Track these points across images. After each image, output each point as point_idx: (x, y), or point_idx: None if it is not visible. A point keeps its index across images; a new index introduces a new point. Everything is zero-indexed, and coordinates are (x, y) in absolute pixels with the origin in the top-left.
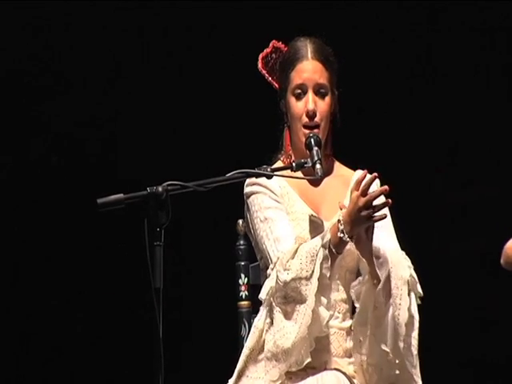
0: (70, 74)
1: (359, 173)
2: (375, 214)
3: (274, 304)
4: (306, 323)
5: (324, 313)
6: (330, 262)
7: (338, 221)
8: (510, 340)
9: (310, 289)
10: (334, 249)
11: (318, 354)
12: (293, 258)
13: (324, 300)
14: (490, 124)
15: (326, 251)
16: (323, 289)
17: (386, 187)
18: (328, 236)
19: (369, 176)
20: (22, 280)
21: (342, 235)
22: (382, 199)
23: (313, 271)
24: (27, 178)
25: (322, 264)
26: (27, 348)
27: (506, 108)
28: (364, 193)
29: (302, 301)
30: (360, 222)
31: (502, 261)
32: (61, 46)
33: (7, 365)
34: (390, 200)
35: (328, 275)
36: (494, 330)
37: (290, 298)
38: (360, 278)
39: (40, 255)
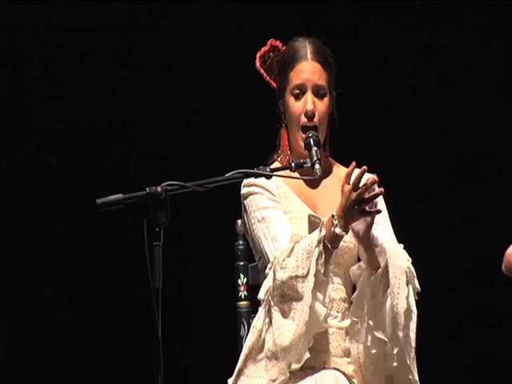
0: (67, 73)
1: (356, 171)
2: (367, 207)
3: (272, 303)
4: (303, 320)
5: (320, 308)
6: (324, 258)
7: (332, 216)
8: (509, 340)
9: (306, 286)
10: (329, 244)
11: (316, 353)
12: (289, 256)
13: (320, 296)
14: (490, 124)
15: (321, 247)
16: (319, 284)
17: (375, 178)
18: (323, 232)
19: (358, 169)
20: (21, 280)
21: (336, 230)
22: (373, 190)
23: (309, 268)
24: (27, 178)
25: (317, 260)
26: (27, 348)
27: (507, 107)
28: (355, 187)
29: (299, 298)
30: (354, 216)
31: (503, 267)
32: (60, 44)
33: (8, 365)
34: (382, 189)
35: (322, 271)
36: (493, 330)
37: (287, 296)
38: (360, 263)
39: (39, 256)
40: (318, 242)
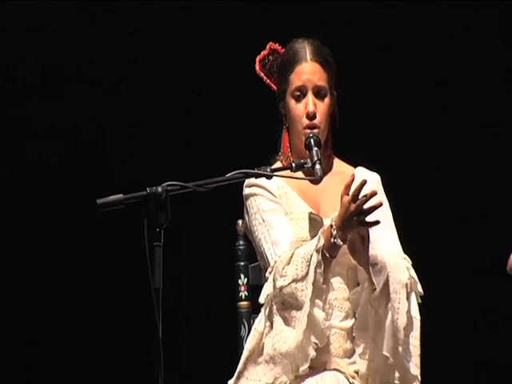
0: (67, 73)
1: (359, 170)
2: (367, 218)
3: (274, 308)
4: (302, 328)
5: (319, 314)
6: (323, 267)
7: (331, 225)
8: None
9: (305, 294)
10: (328, 253)
11: (318, 354)
12: (288, 264)
13: (319, 302)
14: (490, 124)
15: (320, 256)
16: (318, 292)
17: (375, 190)
18: (321, 241)
19: (358, 181)
20: (21, 280)
21: (335, 240)
22: (374, 201)
23: (307, 273)
24: (26, 178)
25: (316, 269)
26: (26, 348)
27: (507, 108)
28: (355, 198)
29: (299, 307)
30: (352, 227)
31: (508, 268)
32: (58, 46)
33: (8, 365)
34: (381, 201)
35: (321, 280)
36: (494, 330)
37: (287, 303)
38: (357, 288)
39: (39, 256)
40: (317, 252)
